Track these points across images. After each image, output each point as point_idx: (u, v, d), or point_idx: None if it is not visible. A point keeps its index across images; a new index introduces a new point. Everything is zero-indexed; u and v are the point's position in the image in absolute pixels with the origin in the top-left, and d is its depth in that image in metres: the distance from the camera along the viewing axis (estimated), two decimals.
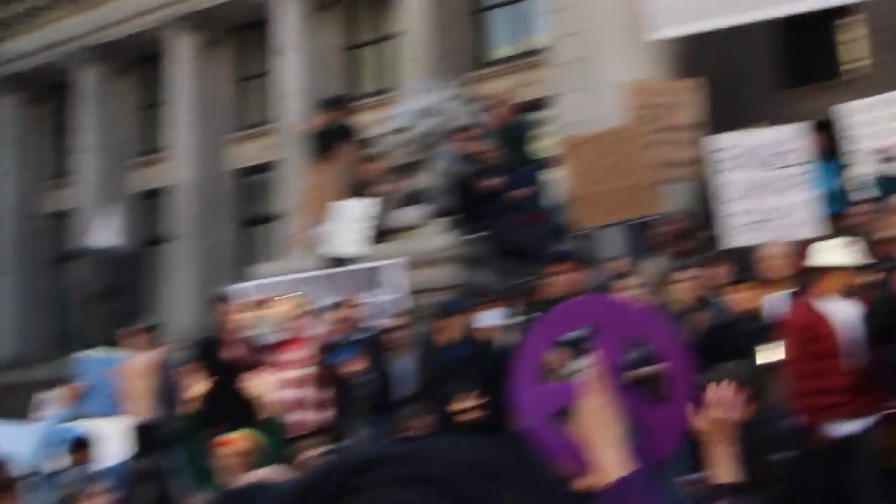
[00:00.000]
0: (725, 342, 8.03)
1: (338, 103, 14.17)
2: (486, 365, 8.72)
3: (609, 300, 3.84)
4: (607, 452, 2.38)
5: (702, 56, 14.84)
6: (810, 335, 7.25)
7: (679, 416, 2.72)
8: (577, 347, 7.16)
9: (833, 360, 7.21)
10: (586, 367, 2.56)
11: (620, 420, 2.43)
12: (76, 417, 8.38)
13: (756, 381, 7.20)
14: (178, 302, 21.65)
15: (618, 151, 10.29)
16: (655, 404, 2.78)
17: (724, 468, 3.01)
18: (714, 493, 3.04)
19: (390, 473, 0.78)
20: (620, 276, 8.94)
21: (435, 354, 8.92)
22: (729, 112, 15.65)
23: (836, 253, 7.49)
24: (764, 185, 9.94)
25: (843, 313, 7.33)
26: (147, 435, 7.93)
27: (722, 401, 3.02)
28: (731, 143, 10.13)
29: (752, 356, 7.62)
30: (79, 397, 7.94)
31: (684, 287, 8.76)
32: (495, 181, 11.52)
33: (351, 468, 0.79)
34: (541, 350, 2.84)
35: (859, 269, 7.58)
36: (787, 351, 7.33)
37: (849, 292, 7.46)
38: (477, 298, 9.20)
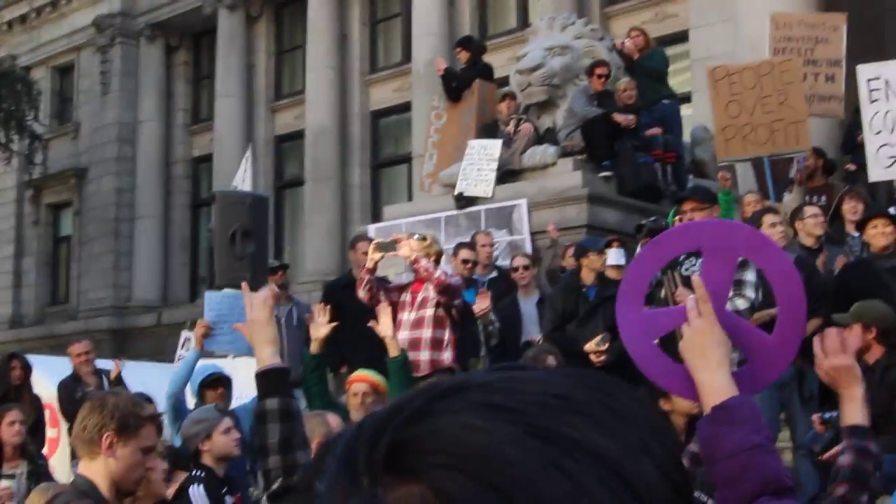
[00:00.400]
0: (863, 279, 7.77)
1: (470, 43, 14.06)
2: (613, 313, 8.62)
3: (719, 223, 3.67)
4: (712, 375, 2.33)
5: None
6: None
7: (786, 347, 2.57)
8: (685, 270, 7.08)
9: None
10: (694, 290, 2.47)
11: (725, 344, 2.37)
12: (210, 356, 8.55)
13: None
14: (313, 245, 21.97)
15: (766, 84, 9.99)
16: (762, 332, 2.65)
17: (850, 410, 2.89)
18: (842, 434, 2.93)
19: (468, 399, 0.75)
20: (757, 212, 8.73)
21: (567, 294, 8.85)
22: (874, 46, 14.97)
23: None
24: None
25: None
26: (275, 376, 8.02)
27: (835, 347, 2.90)
28: (878, 73, 9.75)
29: (891, 293, 7.34)
30: (209, 335, 8.04)
31: (813, 223, 8.50)
32: (630, 118, 11.26)
33: (434, 393, 0.77)
34: (649, 273, 2.74)
35: None
36: None
37: None
38: (605, 239, 9.08)
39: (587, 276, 8.82)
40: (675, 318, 2.55)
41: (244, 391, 8.45)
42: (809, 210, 8.81)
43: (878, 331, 6.63)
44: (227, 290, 8.44)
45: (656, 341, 2.65)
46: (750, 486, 2.19)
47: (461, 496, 0.70)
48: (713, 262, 2.56)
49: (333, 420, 6.07)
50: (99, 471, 3.86)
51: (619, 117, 11.19)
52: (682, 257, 6.90)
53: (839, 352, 2.90)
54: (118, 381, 9.81)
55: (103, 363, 10.95)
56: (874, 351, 6.84)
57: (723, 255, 2.56)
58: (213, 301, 8.27)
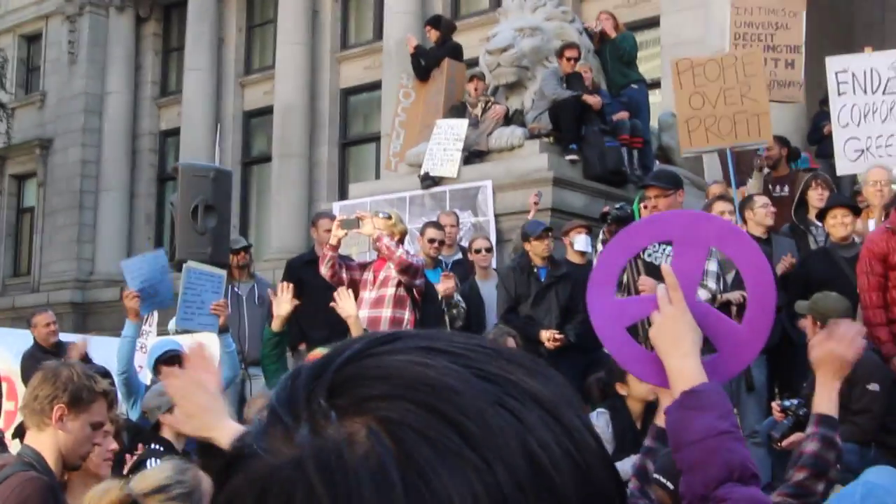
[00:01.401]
0: (823, 268, 7.84)
1: (440, 22, 14.00)
2: (566, 290, 8.74)
3: (691, 213, 3.70)
4: (682, 362, 2.35)
5: None
6: (891, 262, 7.12)
7: (756, 336, 2.60)
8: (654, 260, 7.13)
9: None
10: (664, 279, 2.50)
11: (695, 332, 2.40)
12: (172, 332, 8.49)
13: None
14: (279, 222, 21.89)
15: (729, 76, 10.05)
16: (731, 322, 2.69)
17: (824, 399, 2.96)
18: (811, 420, 2.98)
19: (407, 344, 0.75)
20: (717, 199, 8.79)
21: (518, 275, 8.92)
22: (845, 33, 15.04)
23: None
24: (874, 111, 9.68)
25: None
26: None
27: (845, 337, 2.95)
28: (845, 66, 9.83)
29: (849, 283, 7.43)
30: (133, 305, 7.95)
31: (763, 213, 8.58)
32: (597, 98, 11.26)
33: (371, 339, 0.76)
34: (620, 262, 2.76)
35: None
36: (864, 279, 7.20)
37: None
38: (543, 224, 9.14)
39: (535, 259, 8.91)
40: (645, 305, 2.57)
41: None
42: (760, 200, 8.87)
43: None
44: (194, 265, 8.35)
45: (627, 327, 2.67)
46: (715, 471, 2.21)
47: (410, 423, 0.69)
48: (684, 252, 2.58)
49: None
50: (46, 442, 3.83)
51: (590, 99, 11.20)
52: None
53: (847, 344, 2.94)
54: (85, 359, 9.67)
55: (66, 336, 10.85)
56: None
57: (693, 244, 2.59)
58: (182, 277, 8.20)
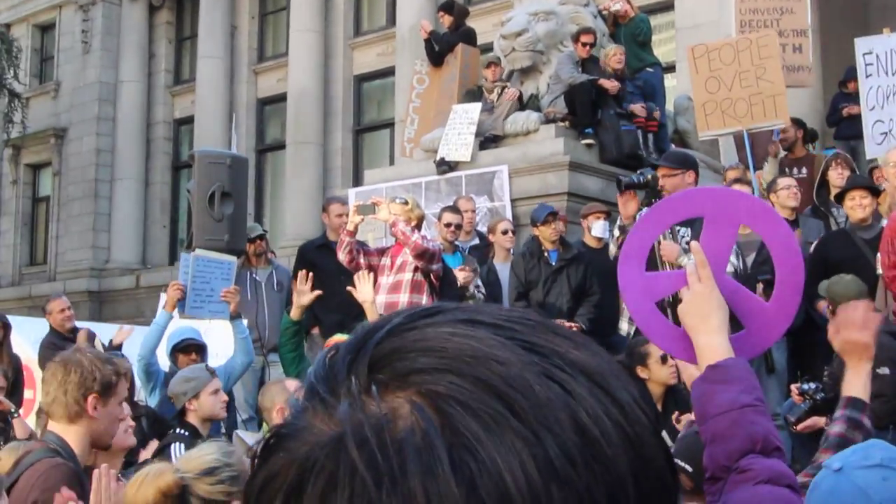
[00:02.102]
0: (841, 250, 7.80)
1: (453, 7, 13.95)
2: (579, 272, 8.76)
3: (724, 190, 3.71)
4: (710, 338, 2.37)
5: None
6: None
7: (783, 314, 2.60)
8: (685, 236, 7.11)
9: None
10: (693, 255, 2.51)
11: (724, 308, 2.42)
12: (187, 318, 8.52)
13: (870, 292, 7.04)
14: (293, 209, 21.89)
15: (744, 60, 10.03)
16: (759, 300, 2.70)
17: (853, 382, 2.98)
18: (840, 404, 3.01)
19: (449, 317, 0.74)
20: (734, 182, 8.77)
21: (528, 260, 8.94)
22: (857, 17, 14.95)
23: None
24: (895, 93, 9.65)
25: None
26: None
27: (856, 321, 2.97)
28: (870, 47, 9.79)
29: (868, 265, 7.40)
30: (182, 297, 8.00)
31: (787, 195, 8.54)
32: (615, 83, 11.21)
33: (412, 312, 0.75)
34: (651, 237, 2.77)
35: None
36: (885, 257, 7.17)
37: None
38: (548, 209, 9.16)
39: (545, 243, 8.94)
40: (675, 281, 2.59)
41: (220, 351, 8.42)
42: (783, 182, 8.84)
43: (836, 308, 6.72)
44: (203, 253, 8.38)
45: (657, 302, 2.69)
46: (738, 443, 2.22)
47: (455, 396, 0.67)
48: (714, 229, 2.59)
49: (293, 385, 6.05)
50: (78, 431, 3.87)
51: (606, 83, 11.15)
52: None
53: (861, 327, 2.93)
54: (118, 347, 9.65)
55: (81, 324, 10.88)
56: None
57: (724, 221, 2.59)
58: (191, 265, 8.22)
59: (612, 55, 11.46)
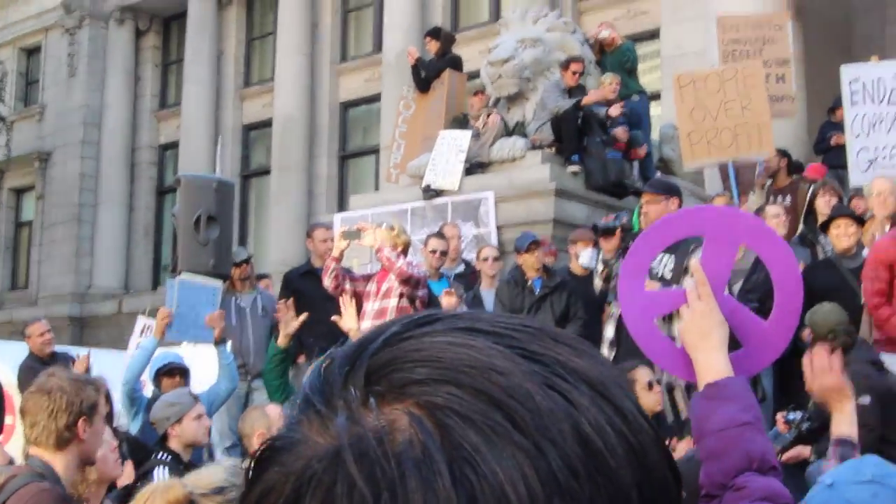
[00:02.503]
0: (826, 279, 7.82)
1: (440, 33, 14.00)
2: (562, 300, 8.75)
3: (725, 209, 3.73)
4: (709, 356, 2.38)
5: None
6: (894, 271, 7.13)
7: (781, 333, 2.63)
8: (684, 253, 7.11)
9: None
10: (693, 273, 2.54)
11: (723, 327, 2.43)
12: (170, 343, 8.47)
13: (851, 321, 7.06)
14: (278, 234, 21.85)
15: (730, 89, 10.07)
16: (757, 319, 2.70)
17: (839, 423, 3.05)
18: (831, 443, 3.07)
19: (446, 325, 0.72)
20: None
21: (512, 288, 8.92)
22: (846, 45, 15.06)
23: None
24: (881, 121, 9.70)
25: None
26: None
27: (828, 367, 3.03)
28: (857, 75, 9.85)
29: (853, 294, 7.43)
30: (169, 323, 7.96)
31: (775, 223, 8.57)
32: (616, 109, 11.24)
33: (408, 321, 0.73)
34: (650, 255, 2.77)
35: None
36: (868, 284, 7.20)
37: None
38: (530, 237, 9.16)
39: (529, 271, 8.91)
40: (675, 299, 2.61)
41: (204, 377, 8.37)
42: (772, 210, 8.87)
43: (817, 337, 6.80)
44: (188, 278, 8.34)
45: (656, 319, 2.72)
46: (735, 460, 2.23)
47: (454, 408, 0.65)
48: (715, 248, 2.60)
49: (273, 411, 6.00)
50: (66, 456, 3.85)
51: (613, 109, 11.18)
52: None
53: (827, 371, 2.95)
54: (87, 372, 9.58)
55: (62, 349, 10.79)
56: None
57: (725, 241, 2.60)
58: (176, 289, 8.17)
59: (609, 84, 11.50)
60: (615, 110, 11.17)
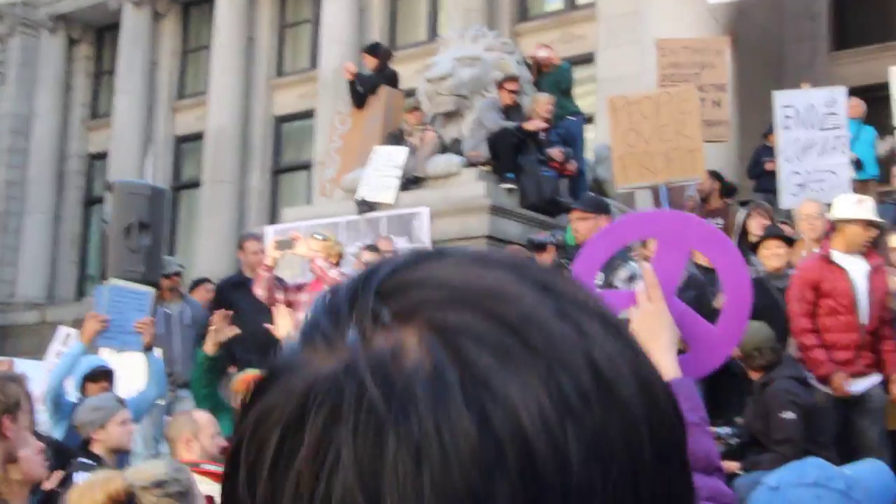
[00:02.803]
0: (757, 298, 7.92)
1: (378, 49, 14.01)
2: None
3: (679, 215, 3.76)
4: (657, 357, 2.33)
5: (752, 13, 14.54)
6: (820, 290, 7.27)
7: (729, 337, 2.65)
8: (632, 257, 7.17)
9: (842, 316, 7.25)
10: (643, 275, 2.53)
11: (672, 329, 2.43)
12: (95, 350, 8.32)
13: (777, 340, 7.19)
14: (207, 248, 21.65)
15: (664, 113, 10.17)
16: (706, 323, 2.70)
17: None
18: None
19: (455, 255, 0.71)
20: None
21: None
22: (778, 73, 15.36)
23: (851, 207, 7.49)
24: (812, 146, 9.90)
25: (856, 268, 7.28)
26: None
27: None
28: (790, 101, 10.04)
29: (781, 314, 7.56)
30: (98, 329, 7.81)
31: None
32: (541, 123, 11.32)
33: (416, 254, 0.71)
34: (603, 256, 2.79)
35: (873, 224, 7.58)
36: (794, 305, 7.33)
37: (861, 248, 7.45)
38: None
39: None
40: (624, 300, 2.59)
41: (132, 385, 8.23)
42: None
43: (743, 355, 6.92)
44: (118, 283, 8.21)
45: None
46: None
47: (467, 329, 0.63)
48: (666, 251, 2.60)
49: (202, 416, 5.93)
50: None
51: (531, 125, 11.27)
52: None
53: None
54: None
55: None
56: (753, 373, 7.12)
57: (676, 245, 2.61)
58: (107, 295, 8.04)
59: (543, 103, 11.58)
60: (532, 125, 11.25)
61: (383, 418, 0.60)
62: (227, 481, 0.66)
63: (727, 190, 11.33)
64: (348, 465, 0.60)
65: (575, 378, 0.63)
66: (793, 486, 2.29)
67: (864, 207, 7.56)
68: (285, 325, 7.01)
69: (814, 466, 2.39)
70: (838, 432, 7.19)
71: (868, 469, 2.43)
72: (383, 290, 0.67)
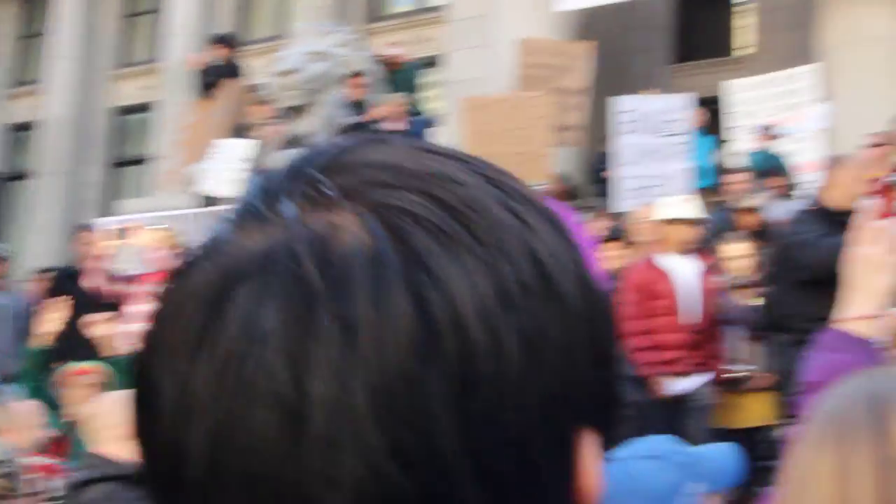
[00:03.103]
0: None
1: (225, 41, 13.77)
2: None
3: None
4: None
5: (597, 22, 14.83)
6: (648, 291, 7.39)
7: None
8: None
9: (669, 317, 7.34)
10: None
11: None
12: None
13: None
14: (39, 241, 20.89)
15: (515, 117, 10.22)
16: None
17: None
18: None
19: (408, 143, 0.68)
20: None
21: None
22: (620, 82, 15.68)
23: (676, 207, 7.65)
24: (652, 152, 10.10)
25: (682, 269, 7.42)
26: None
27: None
28: (630, 106, 10.22)
29: None
30: None
31: None
32: (380, 111, 11.28)
33: (360, 138, 0.68)
34: None
35: (698, 222, 7.73)
36: (625, 306, 7.45)
37: (688, 248, 7.58)
38: None
39: None
40: None
41: None
42: None
43: None
44: None
45: None
46: None
47: (409, 211, 0.61)
48: None
49: (22, 407, 5.69)
50: None
51: (374, 112, 11.23)
52: None
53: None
54: None
55: None
56: None
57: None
58: None
59: (396, 103, 11.54)
60: (377, 112, 11.24)
61: (317, 295, 0.57)
62: (143, 367, 0.62)
63: (571, 193, 11.49)
64: (274, 342, 0.57)
65: (516, 268, 0.62)
66: (636, 458, 2.28)
67: (688, 207, 7.73)
68: (101, 327, 6.81)
69: (660, 441, 2.39)
70: (667, 430, 7.32)
71: (716, 448, 2.45)
72: (326, 168, 0.63)
